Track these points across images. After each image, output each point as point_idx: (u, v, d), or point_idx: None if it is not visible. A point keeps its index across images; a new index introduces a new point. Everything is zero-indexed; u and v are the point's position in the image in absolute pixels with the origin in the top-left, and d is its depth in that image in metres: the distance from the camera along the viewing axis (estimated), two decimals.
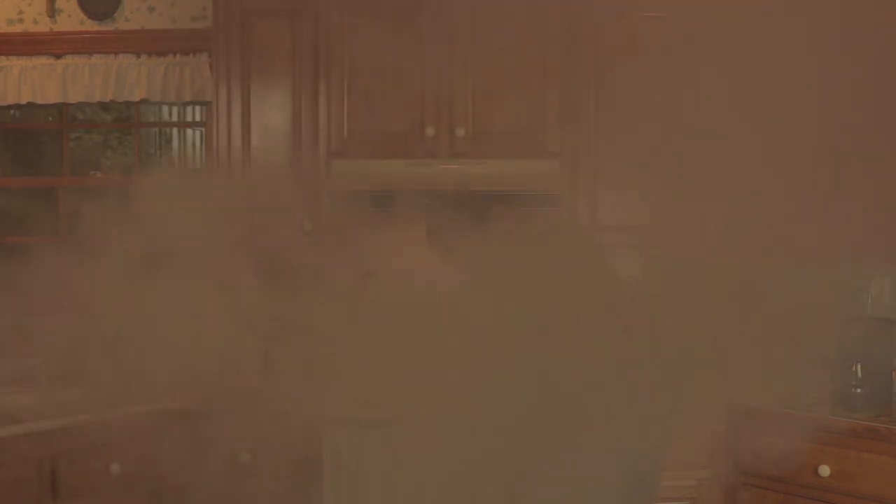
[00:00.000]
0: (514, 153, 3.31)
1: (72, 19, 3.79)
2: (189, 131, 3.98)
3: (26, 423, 2.84)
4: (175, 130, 4.01)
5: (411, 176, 3.29)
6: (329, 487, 2.91)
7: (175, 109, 3.93)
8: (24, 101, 3.75)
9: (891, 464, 2.59)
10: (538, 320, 2.20)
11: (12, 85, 3.73)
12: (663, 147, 3.39)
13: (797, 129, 3.23)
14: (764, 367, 3.39)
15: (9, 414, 3.00)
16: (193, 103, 3.86)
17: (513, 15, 3.35)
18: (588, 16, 3.38)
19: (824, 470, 2.69)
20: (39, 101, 3.75)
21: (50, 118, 3.95)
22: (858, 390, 2.80)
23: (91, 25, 3.78)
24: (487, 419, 2.39)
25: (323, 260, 3.49)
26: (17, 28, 3.78)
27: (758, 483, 2.87)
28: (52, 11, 3.77)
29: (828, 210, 3.15)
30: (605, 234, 3.40)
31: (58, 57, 3.75)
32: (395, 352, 3.27)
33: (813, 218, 3.18)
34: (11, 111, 3.91)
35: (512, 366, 2.22)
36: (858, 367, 2.81)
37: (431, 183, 3.25)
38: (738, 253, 3.40)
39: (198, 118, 3.92)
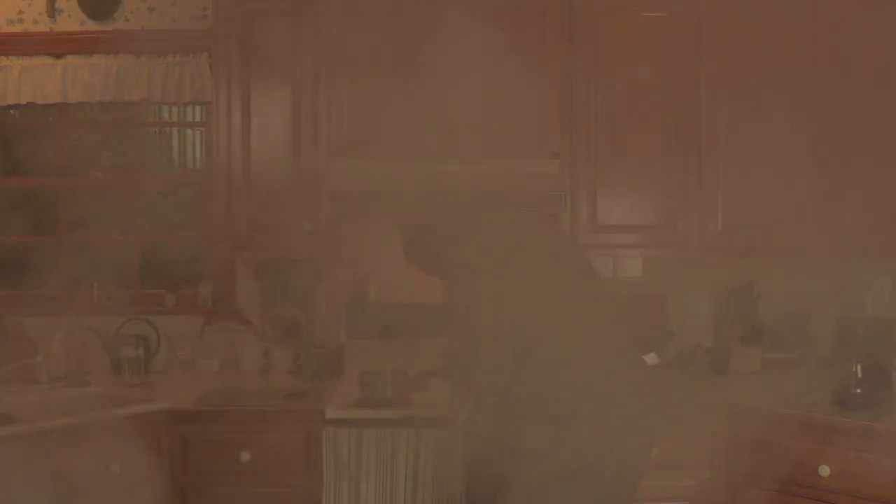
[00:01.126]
0: (514, 153, 3.31)
1: (72, 19, 3.78)
2: (189, 131, 3.98)
3: (26, 424, 2.84)
4: (175, 130, 4.00)
5: (411, 176, 3.28)
6: (329, 487, 2.91)
7: (175, 109, 3.93)
8: (24, 101, 3.74)
9: (891, 464, 2.59)
10: (522, 319, 2.20)
11: (12, 85, 3.72)
12: (662, 147, 3.40)
13: (797, 129, 3.23)
14: (764, 367, 3.40)
15: (9, 414, 3.01)
16: (193, 103, 3.86)
17: (513, 14, 3.35)
18: (588, 15, 3.38)
19: (824, 470, 2.69)
20: (39, 101, 3.74)
21: (50, 118, 3.95)
22: (858, 390, 2.79)
23: (91, 25, 3.77)
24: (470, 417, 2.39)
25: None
26: (17, 28, 3.77)
27: (758, 483, 2.87)
28: (52, 11, 3.77)
29: (828, 210, 3.16)
30: (604, 234, 3.41)
31: (58, 57, 3.74)
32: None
33: (813, 218, 3.18)
34: (11, 111, 3.91)
35: (497, 363, 2.21)
36: (858, 367, 2.81)
37: (431, 183, 3.24)
38: (738, 252, 3.40)
39: (198, 118, 3.91)
